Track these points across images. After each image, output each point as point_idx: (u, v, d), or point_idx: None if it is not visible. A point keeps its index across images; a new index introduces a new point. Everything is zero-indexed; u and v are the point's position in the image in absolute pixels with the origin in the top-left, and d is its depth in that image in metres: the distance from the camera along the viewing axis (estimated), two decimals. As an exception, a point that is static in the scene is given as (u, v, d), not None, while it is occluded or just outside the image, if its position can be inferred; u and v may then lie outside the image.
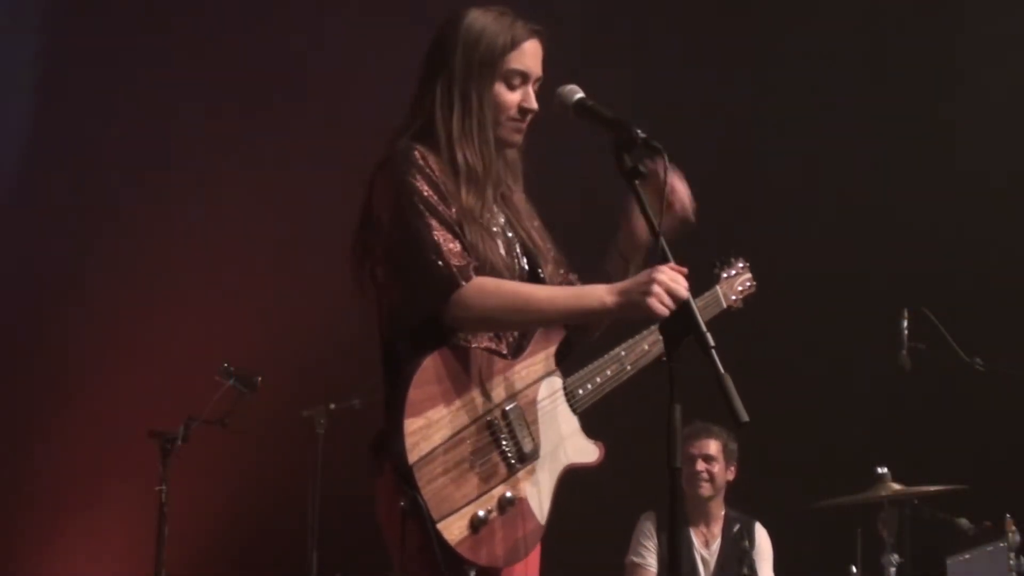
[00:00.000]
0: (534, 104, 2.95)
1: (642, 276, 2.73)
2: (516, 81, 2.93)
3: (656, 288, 2.67)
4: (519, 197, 3.06)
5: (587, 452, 2.98)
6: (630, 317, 2.82)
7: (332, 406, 6.07)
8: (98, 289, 7.37)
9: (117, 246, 7.42)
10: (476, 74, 2.89)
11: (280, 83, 7.36)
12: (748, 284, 3.47)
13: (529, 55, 2.94)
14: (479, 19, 2.93)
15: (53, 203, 7.44)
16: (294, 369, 6.91)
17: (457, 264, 2.75)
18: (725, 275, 3.42)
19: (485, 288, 2.76)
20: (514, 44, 2.92)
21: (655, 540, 5.84)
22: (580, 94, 2.89)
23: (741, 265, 3.49)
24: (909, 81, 6.90)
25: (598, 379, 2.99)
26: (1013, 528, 5.17)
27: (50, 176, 7.47)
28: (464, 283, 2.74)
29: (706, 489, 5.82)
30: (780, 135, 6.98)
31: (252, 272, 7.30)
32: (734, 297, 3.41)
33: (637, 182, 2.74)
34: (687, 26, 7.14)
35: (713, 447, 5.83)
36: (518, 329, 2.89)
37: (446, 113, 2.89)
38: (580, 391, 2.98)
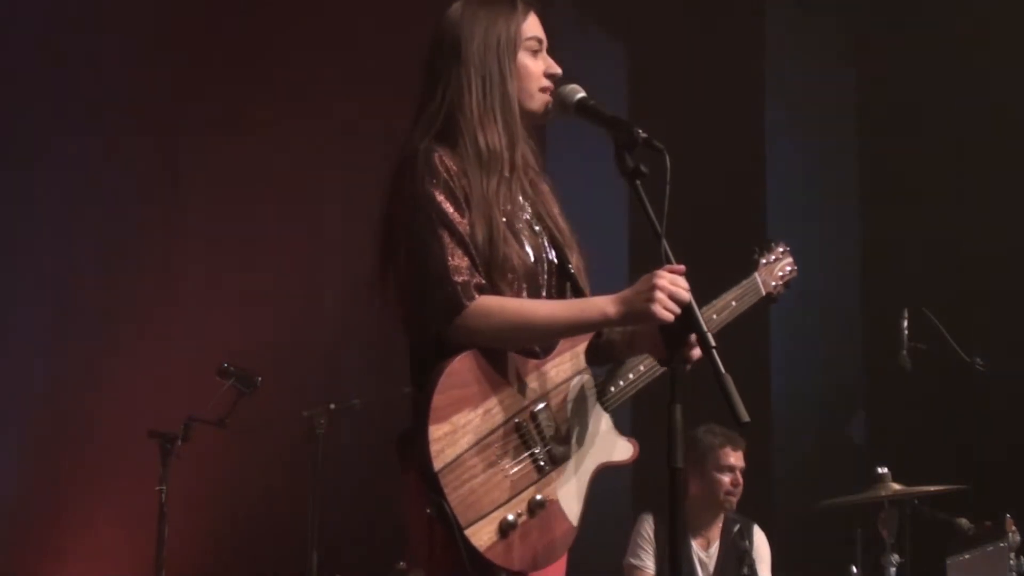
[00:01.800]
0: (557, 68, 2.95)
1: (642, 284, 2.70)
2: (536, 47, 2.94)
3: (659, 294, 2.65)
4: (544, 186, 3.03)
5: (620, 450, 2.94)
6: (635, 325, 2.80)
7: (332, 406, 6.06)
8: (98, 289, 7.37)
9: (117, 246, 7.42)
10: (495, 51, 2.88)
11: (283, 84, 7.36)
12: (789, 269, 3.39)
13: (536, 25, 2.96)
14: (476, 6, 2.94)
15: (53, 202, 7.44)
16: (294, 369, 6.91)
17: (462, 281, 2.73)
18: (764, 261, 3.35)
19: (489, 309, 2.73)
20: (523, 15, 2.93)
21: (653, 542, 5.78)
22: (581, 93, 2.89)
23: (781, 250, 3.41)
24: (909, 80, 6.90)
25: (631, 375, 2.95)
26: (1013, 528, 5.17)
27: (50, 175, 7.46)
28: (467, 303, 2.72)
29: (734, 502, 5.68)
30: (781, 133, 6.98)
31: (252, 272, 7.30)
32: (774, 284, 3.34)
33: (638, 182, 2.74)
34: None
35: (743, 457, 5.67)
36: (525, 346, 2.84)
37: (467, 97, 2.86)
38: (611, 388, 2.94)
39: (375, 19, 7.29)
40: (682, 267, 2.70)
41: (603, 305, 2.76)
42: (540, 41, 2.95)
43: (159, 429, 5.98)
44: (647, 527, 5.78)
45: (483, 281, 2.77)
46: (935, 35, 6.89)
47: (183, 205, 7.38)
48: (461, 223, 2.78)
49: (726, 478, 5.65)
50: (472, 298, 2.73)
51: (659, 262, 2.71)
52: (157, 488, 5.88)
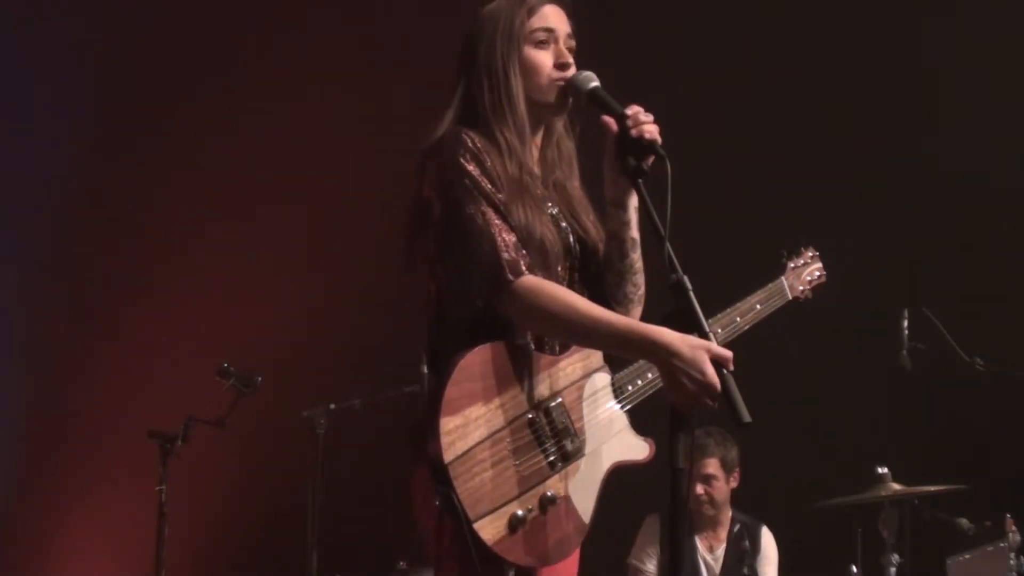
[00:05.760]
0: (568, 56, 2.92)
1: (701, 358, 2.59)
2: (542, 37, 2.92)
3: (706, 382, 2.57)
4: (575, 188, 3.02)
5: (635, 449, 2.93)
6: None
7: (332, 406, 6.06)
8: (97, 289, 7.37)
9: (117, 246, 7.42)
10: (499, 48, 2.89)
11: (285, 84, 7.36)
12: (818, 274, 3.41)
13: (551, 16, 2.95)
14: (495, 5, 2.95)
15: (53, 202, 7.44)
16: (294, 369, 6.91)
17: (512, 256, 2.72)
18: (792, 265, 3.36)
19: (543, 288, 2.72)
20: (531, 11, 2.93)
21: (658, 543, 5.76)
22: (595, 82, 2.88)
23: (811, 255, 3.42)
24: (907, 80, 6.90)
25: (649, 375, 2.92)
26: (1013, 528, 5.17)
27: (50, 175, 7.46)
28: (515, 277, 2.70)
29: (708, 508, 5.70)
30: (776, 132, 6.98)
31: (253, 272, 7.30)
32: (802, 288, 3.34)
33: (640, 181, 2.74)
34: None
35: (711, 466, 5.67)
36: (559, 339, 2.83)
37: (479, 97, 2.89)
38: (629, 387, 2.92)
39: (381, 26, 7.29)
40: (729, 353, 2.61)
41: (659, 334, 2.64)
42: (549, 31, 2.92)
43: (159, 429, 5.98)
44: (654, 528, 5.77)
45: (531, 260, 2.76)
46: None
47: (182, 205, 7.38)
48: (500, 199, 2.78)
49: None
50: (521, 273, 2.72)
51: (661, 263, 2.69)
52: (157, 488, 5.88)
